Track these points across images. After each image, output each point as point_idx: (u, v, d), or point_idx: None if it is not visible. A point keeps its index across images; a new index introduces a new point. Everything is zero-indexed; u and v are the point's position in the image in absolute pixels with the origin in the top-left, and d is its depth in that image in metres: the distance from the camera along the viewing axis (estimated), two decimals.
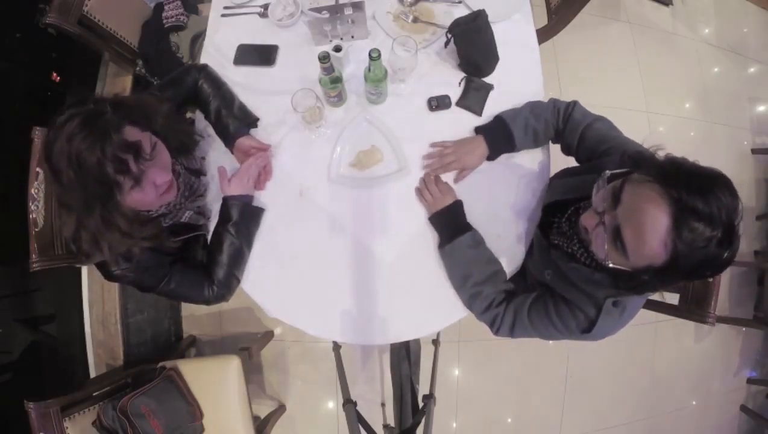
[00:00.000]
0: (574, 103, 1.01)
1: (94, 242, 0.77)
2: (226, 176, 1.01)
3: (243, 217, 1.00)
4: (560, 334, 0.85)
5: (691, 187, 0.57)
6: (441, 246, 0.99)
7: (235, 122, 1.05)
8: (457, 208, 1.00)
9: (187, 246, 1.01)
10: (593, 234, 0.70)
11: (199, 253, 1.05)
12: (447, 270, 1.00)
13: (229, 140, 1.06)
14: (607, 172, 0.70)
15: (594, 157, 0.93)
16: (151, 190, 0.78)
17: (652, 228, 0.59)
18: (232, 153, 1.07)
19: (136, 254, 0.85)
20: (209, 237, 1.05)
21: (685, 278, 0.64)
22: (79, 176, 0.69)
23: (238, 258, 1.00)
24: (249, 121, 1.09)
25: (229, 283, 1.00)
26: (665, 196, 0.58)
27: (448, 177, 1.08)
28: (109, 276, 0.87)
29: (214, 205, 1.07)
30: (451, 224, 0.99)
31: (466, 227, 0.98)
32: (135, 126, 0.76)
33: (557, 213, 0.94)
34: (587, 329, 0.81)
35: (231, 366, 1.39)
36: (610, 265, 0.67)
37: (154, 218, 0.90)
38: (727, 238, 0.57)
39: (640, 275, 0.65)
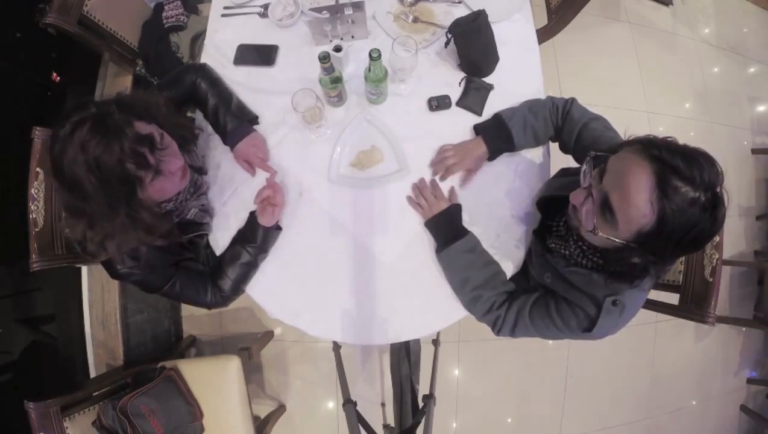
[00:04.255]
0: (572, 101, 1.01)
1: (101, 244, 0.77)
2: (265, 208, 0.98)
3: (265, 239, 1.00)
4: (561, 334, 0.86)
5: (671, 150, 0.60)
6: (437, 251, 0.99)
7: (234, 120, 1.05)
8: (452, 212, 0.99)
9: (192, 246, 1.01)
10: (582, 210, 0.71)
11: (202, 253, 1.05)
12: (445, 274, 1.00)
13: (227, 139, 1.05)
14: (592, 153, 0.72)
15: None
16: (169, 177, 0.80)
17: (637, 187, 0.60)
18: (232, 151, 1.07)
19: (143, 253, 0.86)
20: (210, 236, 1.05)
21: (674, 249, 0.64)
22: (102, 180, 0.69)
23: (249, 275, 1.01)
24: (247, 118, 1.08)
25: (235, 294, 1.01)
26: (646, 156, 0.61)
27: (451, 182, 1.07)
28: (115, 274, 0.87)
29: (215, 202, 1.07)
30: (446, 229, 0.99)
31: (462, 232, 0.98)
32: (141, 120, 0.77)
33: (555, 216, 0.94)
34: (588, 328, 0.81)
35: (231, 366, 1.39)
36: (600, 234, 0.68)
37: (167, 213, 0.90)
38: (711, 203, 0.58)
39: (630, 253, 0.66)
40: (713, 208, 0.58)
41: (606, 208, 0.65)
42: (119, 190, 0.72)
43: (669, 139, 0.64)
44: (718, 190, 0.59)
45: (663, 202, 0.58)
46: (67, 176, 0.70)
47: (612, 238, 0.67)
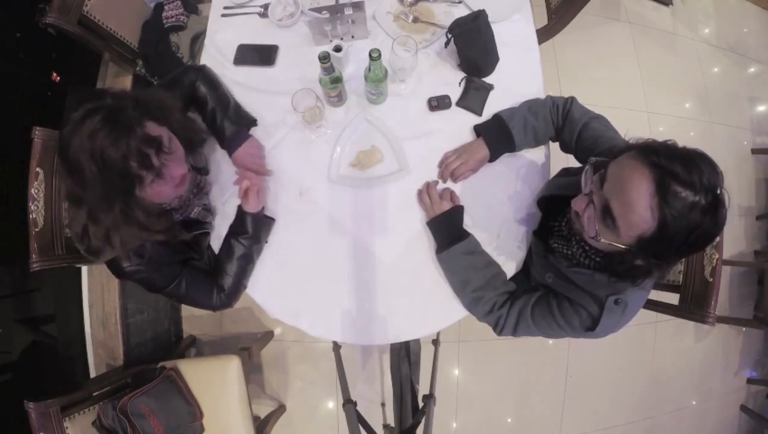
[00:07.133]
0: (572, 100, 1.01)
1: (106, 237, 0.77)
2: (248, 194, 0.99)
3: (256, 228, 1.00)
4: (564, 332, 0.86)
5: (671, 156, 0.60)
6: (437, 252, 0.99)
7: (231, 126, 1.04)
8: (454, 214, 0.99)
9: (196, 244, 1.01)
10: (584, 217, 0.72)
11: (205, 255, 1.05)
12: (446, 275, 1.00)
13: (225, 144, 1.05)
14: (593, 159, 0.73)
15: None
16: (169, 182, 0.80)
17: (637, 194, 0.61)
18: (230, 157, 1.06)
19: (148, 250, 0.86)
20: (212, 235, 1.05)
21: (676, 252, 0.64)
22: (102, 171, 0.70)
23: (248, 268, 1.01)
24: (245, 123, 1.07)
25: (237, 291, 1.01)
26: (646, 162, 0.61)
27: (451, 183, 1.07)
28: (119, 273, 0.86)
29: (217, 202, 1.07)
30: (447, 231, 0.99)
31: (462, 235, 0.98)
32: (154, 121, 0.78)
33: (557, 216, 0.94)
34: (591, 327, 0.82)
35: (231, 366, 1.39)
36: (602, 241, 0.68)
37: (167, 211, 0.90)
38: (712, 206, 0.58)
39: (633, 257, 0.67)
40: (714, 210, 0.59)
41: (607, 215, 0.66)
42: (117, 183, 0.73)
43: (669, 142, 0.65)
44: (719, 191, 0.59)
45: (663, 208, 0.59)
46: (71, 159, 0.71)
47: (614, 244, 0.67)
